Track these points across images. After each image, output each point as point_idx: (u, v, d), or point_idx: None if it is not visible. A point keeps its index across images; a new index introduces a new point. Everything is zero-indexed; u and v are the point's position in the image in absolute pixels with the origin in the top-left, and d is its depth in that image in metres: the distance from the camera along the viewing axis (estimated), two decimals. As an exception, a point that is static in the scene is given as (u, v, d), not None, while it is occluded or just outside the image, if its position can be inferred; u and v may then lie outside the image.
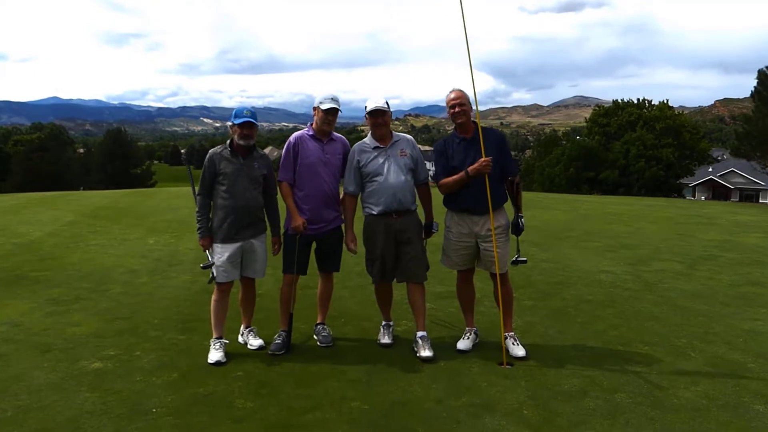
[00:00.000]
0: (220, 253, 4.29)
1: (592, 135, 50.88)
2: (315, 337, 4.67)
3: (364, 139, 4.54)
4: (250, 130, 4.32)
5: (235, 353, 4.32)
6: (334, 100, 4.45)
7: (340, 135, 4.72)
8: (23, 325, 4.96)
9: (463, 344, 4.44)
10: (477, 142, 4.29)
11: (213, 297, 4.38)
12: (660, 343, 4.50)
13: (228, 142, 4.38)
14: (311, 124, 4.57)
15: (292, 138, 4.55)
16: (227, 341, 4.37)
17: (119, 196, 19.44)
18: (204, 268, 4.32)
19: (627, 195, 41.02)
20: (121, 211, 13.87)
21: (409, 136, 4.61)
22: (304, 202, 4.46)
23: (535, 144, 77.37)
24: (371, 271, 4.50)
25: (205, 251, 4.38)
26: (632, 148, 44.83)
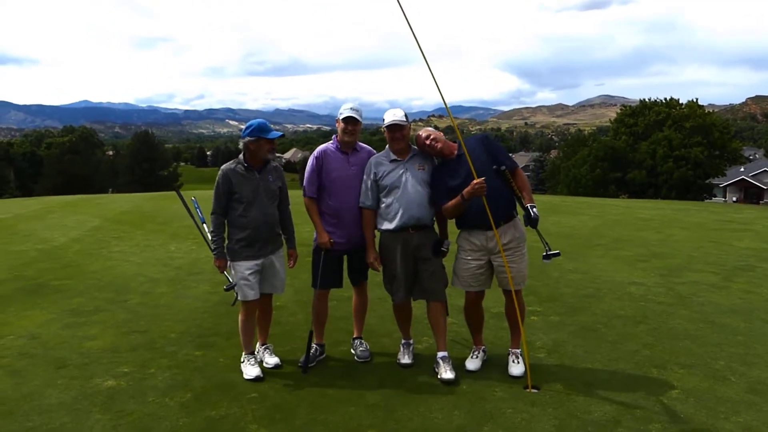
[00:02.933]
0: (242, 272, 4.15)
1: (618, 135, 49.98)
2: (352, 351, 4.55)
3: (382, 152, 4.39)
4: (273, 144, 4.21)
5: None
6: (353, 109, 4.31)
7: (365, 145, 4.57)
8: (41, 338, 4.92)
9: (472, 364, 4.26)
10: (464, 157, 4.07)
11: (240, 317, 4.25)
12: (697, 366, 4.25)
13: (241, 156, 4.23)
14: (336, 137, 4.43)
15: (316, 152, 4.43)
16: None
17: (144, 199, 19.66)
18: (227, 290, 4.21)
19: (656, 196, 40.17)
20: (145, 215, 13.95)
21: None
22: (333, 217, 4.34)
23: (561, 144, 76.32)
24: (390, 289, 4.34)
25: (222, 272, 4.27)
26: (660, 148, 43.89)
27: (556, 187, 52.58)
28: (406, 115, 4.24)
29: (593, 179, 45.46)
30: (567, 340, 4.85)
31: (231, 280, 4.26)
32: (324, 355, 4.55)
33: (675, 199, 34.68)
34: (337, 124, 4.39)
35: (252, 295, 4.19)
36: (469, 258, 4.21)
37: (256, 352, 4.29)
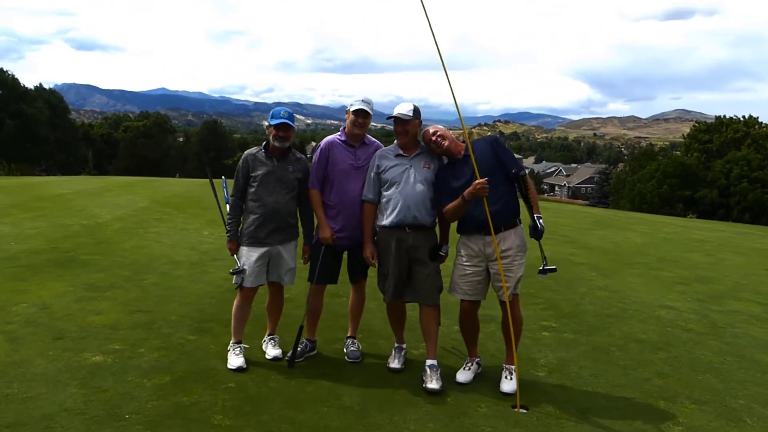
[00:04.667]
0: (246, 257, 4.14)
1: (690, 151, 47.49)
2: (345, 351, 4.43)
3: (390, 146, 4.24)
4: (286, 132, 4.15)
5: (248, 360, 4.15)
6: (365, 101, 4.18)
7: (374, 139, 4.45)
8: (50, 309, 5.07)
9: (462, 376, 4.04)
10: (468, 157, 3.87)
11: (235, 302, 4.24)
12: (711, 402, 3.86)
13: (264, 143, 4.24)
14: (343, 129, 4.32)
15: (322, 143, 4.34)
16: (247, 346, 4.23)
17: (197, 185, 20.23)
18: (233, 273, 4.18)
19: (727, 218, 37.89)
20: (192, 200, 14.35)
21: None
22: (336, 211, 4.23)
23: (629, 158, 73.35)
24: (381, 287, 4.18)
25: (232, 255, 4.25)
26: (735, 167, 41.33)
27: (619, 201, 50.55)
28: (416, 111, 4.07)
29: (659, 196, 43.33)
30: (574, 360, 4.54)
31: (239, 265, 4.23)
32: (315, 352, 4.45)
33: (747, 223, 32.56)
34: (346, 116, 4.28)
35: (249, 282, 4.15)
36: (466, 264, 4.00)
37: (241, 342, 4.22)
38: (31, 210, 11.32)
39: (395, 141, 4.19)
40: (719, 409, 3.77)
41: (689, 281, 7.60)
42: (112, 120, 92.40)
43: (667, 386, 4.11)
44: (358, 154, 4.26)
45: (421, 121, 4.14)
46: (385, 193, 4.09)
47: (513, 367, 4.01)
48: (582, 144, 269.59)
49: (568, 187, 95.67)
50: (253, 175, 4.15)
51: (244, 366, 4.02)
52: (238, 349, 4.14)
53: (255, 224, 4.14)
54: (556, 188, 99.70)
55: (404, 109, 4.03)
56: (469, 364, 4.16)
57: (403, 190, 4.01)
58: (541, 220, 3.88)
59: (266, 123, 4.25)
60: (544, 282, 7.01)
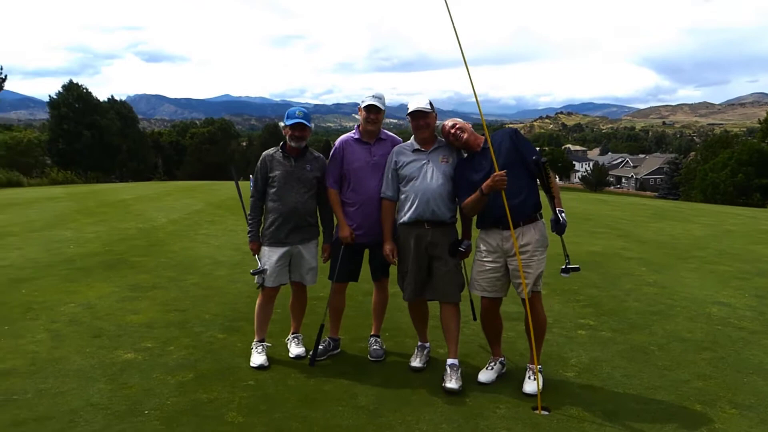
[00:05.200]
0: (268, 257, 4.22)
1: (766, 137, 44.54)
2: (369, 349, 4.42)
3: (407, 142, 4.19)
4: (302, 132, 4.18)
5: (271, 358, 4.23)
6: (376, 97, 4.16)
7: (391, 134, 4.42)
8: (94, 308, 5.33)
9: (484, 376, 3.93)
10: (488, 150, 3.76)
11: (258, 301, 4.34)
12: (755, 407, 3.59)
13: (281, 143, 4.30)
14: (358, 126, 4.32)
15: (337, 142, 4.35)
16: (269, 344, 4.30)
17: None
18: (254, 273, 4.26)
19: (809, 208, 35.23)
20: (248, 202, 14.67)
21: None
22: (354, 209, 4.22)
23: (701, 146, 69.54)
24: (401, 285, 4.13)
25: (254, 255, 4.33)
26: (819, 154, 38.43)
27: (690, 192, 48.06)
28: (431, 104, 4.01)
29: (734, 185, 40.89)
30: (607, 360, 4.33)
31: (260, 265, 4.31)
32: (339, 350, 4.46)
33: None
34: (359, 113, 4.26)
35: (270, 281, 4.22)
36: (485, 260, 3.90)
37: (265, 340, 4.28)
38: (93, 215, 11.96)
39: (412, 137, 4.13)
40: (763, 415, 3.49)
41: (749, 276, 7.10)
42: (179, 127, 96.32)
43: (707, 389, 3.86)
44: (373, 150, 4.23)
45: (436, 114, 4.07)
46: (403, 189, 4.04)
47: (536, 367, 3.88)
48: (650, 133, 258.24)
49: (636, 178, 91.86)
50: (271, 175, 4.20)
51: (266, 364, 4.08)
52: (261, 347, 4.21)
53: (275, 224, 4.20)
54: (623, 180, 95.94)
55: (421, 102, 3.97)
56: (492, 364, 4.05)
57: (420, 185, 3.95)
58: (563, 214, 3.72)
59: (281, 123, 4.29)
60: (588, 278, 6.77)
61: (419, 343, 4.32)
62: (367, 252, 4.37)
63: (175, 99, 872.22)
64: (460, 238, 4.06)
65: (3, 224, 10.45)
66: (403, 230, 4.05)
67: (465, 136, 3.91)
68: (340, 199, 4.27)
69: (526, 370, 3.90)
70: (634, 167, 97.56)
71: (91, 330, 4.74)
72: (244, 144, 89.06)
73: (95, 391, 3.62)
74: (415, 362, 4.18)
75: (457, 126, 3.95)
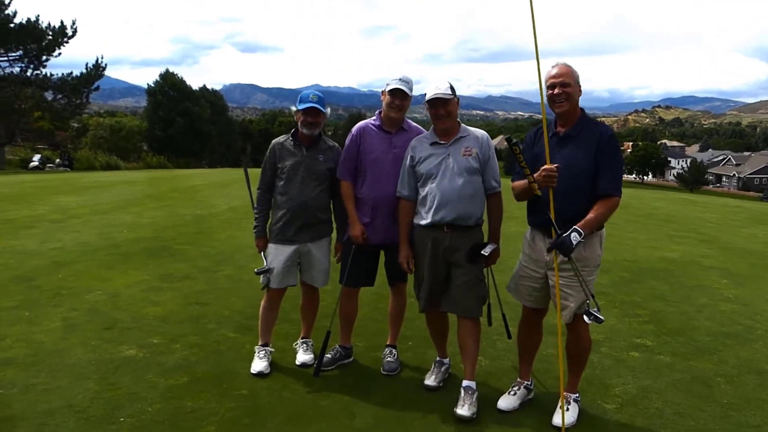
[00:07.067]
0: (274, 255, 3.88)
1: None
2: (382, 360, 3.98)
3: (425, 133, 3.70)
4: (316, 118, 3.79)
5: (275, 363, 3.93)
6: (402, 80, 3.68)
7: (415, 125, 3.93)
8: (119, 297, 5.25)
9: (505, 402, 3.40)
10: (572, 140, 3.17)
11: (262, 303, 4.02)
12: None
13: (292, 131, 3.94)
14: (379, 113, 3.87)
15: (354, 129, 3.91)
16: (272, 349, 3.98)
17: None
18: (258, 273, 3.92)
19: None
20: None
21: (482, 132, 3.60)
22: (369, 206, 3.79)
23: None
24: (417, 293, 3.66)
25: (260, 253, 4.01)
26: None
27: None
28: (452, 88, 3.48)
29: None
30: (659, 392, 3.66)
31: (265, 264, 3.98)
32: (351, 359, 4.07)
33: None
34: (382, 97, 3.80)
35: (276, 282, 3.88)
36: (525, 265, 3.37)
37: (269, 345, 3.96)
38: (160, 200, 12.25)
39: (431, 127, 3.63)
40: None
41: None
42: (269, 116, 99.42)
43: (784, 440, 3.13)
44: (394, 141, 3.77)
45: (459, 99, 3.55)
46: (421, 189, 3.55)
47: (572, 396, 3.33)
48: (758, 129, 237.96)
49: (738, 177, 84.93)
50: (280, 166, 3.85)
51: (266, 371, 3.76)
52: (263, 352, 3.90)
53: (283, 220, 3.85)
54: (724, 179, 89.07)
55: (440, 88, 3.44)
56: (515, 388, 3.51)
57: (440, 183, 3.44)
58: (573, 235, 2.96)
59: (293, 107, 3.91)
60: (655, 288, 6.01)
61: (437, 358, 3.85)
62: (382, 254, 3.93)
63: (268, 88, 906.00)
64: (481, 241, 3.52)
65: (74, 206, 10.89)
66: (419, 232, 3.57)
67: (565, 107, 3.18)
68: (353, 193, 3.85)
69: (560, 397, 3.31)
70: (737, 165, 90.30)
71: (106, 321, 4.63)
72: (329, 133, 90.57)
73: (81, 391, 3.43)
74: (430, 380, 3.70)
75: (562, 87, 3.13)
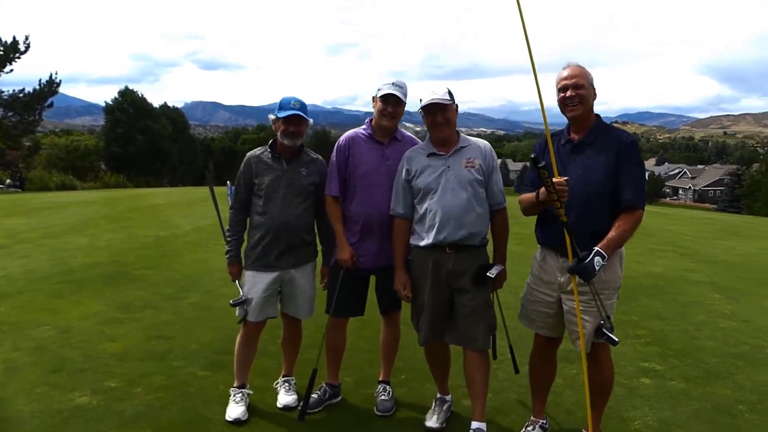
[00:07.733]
0: (252, 284, 3.38)
1: None
2: (375, 399, 3.53)
3: (421, 143, 3.30)
4: (298, 127, 3.35)
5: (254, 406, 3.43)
6: (395, 85, 3.27)
7: (410, 135, 3.53)
8: (70, 332, 4.65)
9: None
10: (589, 147, 2.83)
11: (238, 339, 3.50)
12: None
13: (270, 141, 3.47)
14: (369, 121, 3.45)
15: (342, 139, 3.48)
16: (250, 392, 3.48)
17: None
18: (234, 305, 3.40)
19: None
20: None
21: (483, 142, 3.23)
22: (359, 225, 3.35)
23: (765, 156, 65.52)
24: (416, 323, 3.24)
25: (234, 281, 3.52)
26: None
27: (753, 205, 45.09)
28: (450, 93, 3.10)
29: (805, 198, 38.04)
30: (682, 425, 3.32)
31: (241, 294, 3.48)
32: (339, 398, 3.60)
33: None
34: (373, 105, 3.38)
35: (254, 315, 3.39)
36: (536, 289, 2.98)
37: (246, 386, 3.47)
38: (117, 221, 11.53)
39: (427, 137, 3.24)
40: None
41: None
42: (231, 133, 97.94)
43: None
44: (387, 152, 3.36)
45: (457, 106, 3.16)
46: (418, 206, 3.14)
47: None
48: (710, 144, 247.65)
49: (694, 190, 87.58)
50: (257, 182, 3.38)
51: (243, 417, 3.26)
52: (240, 395, 3.39)
53: (262, 243, 3.36)
54: (680, 191, 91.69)
55: (439, 92, 3.06)
56: (530, 428, 3.11)
57: (441, 199, 3.04)
58: (597, 259, 2.63)
59: (272, 116, 3.45)
60: (649, 306, 5.73)
61: (438, 395, 3.42)
62: (373, 279, 3.50)
63: (230, 106, 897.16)
64: (486, 262, 3.13)
65: (23, 229, 10.11)
66: (418, 254, 3.16)
67: (578, 110, 2.85)
68: (341, 211, 3.42)
69: None
70: (692, 178, 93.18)
71: (54, 362, 4.04)
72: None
73: (21, 451, 2.88)
74: (431, 421, 3.27)
75: (575, 89, 2.82)
